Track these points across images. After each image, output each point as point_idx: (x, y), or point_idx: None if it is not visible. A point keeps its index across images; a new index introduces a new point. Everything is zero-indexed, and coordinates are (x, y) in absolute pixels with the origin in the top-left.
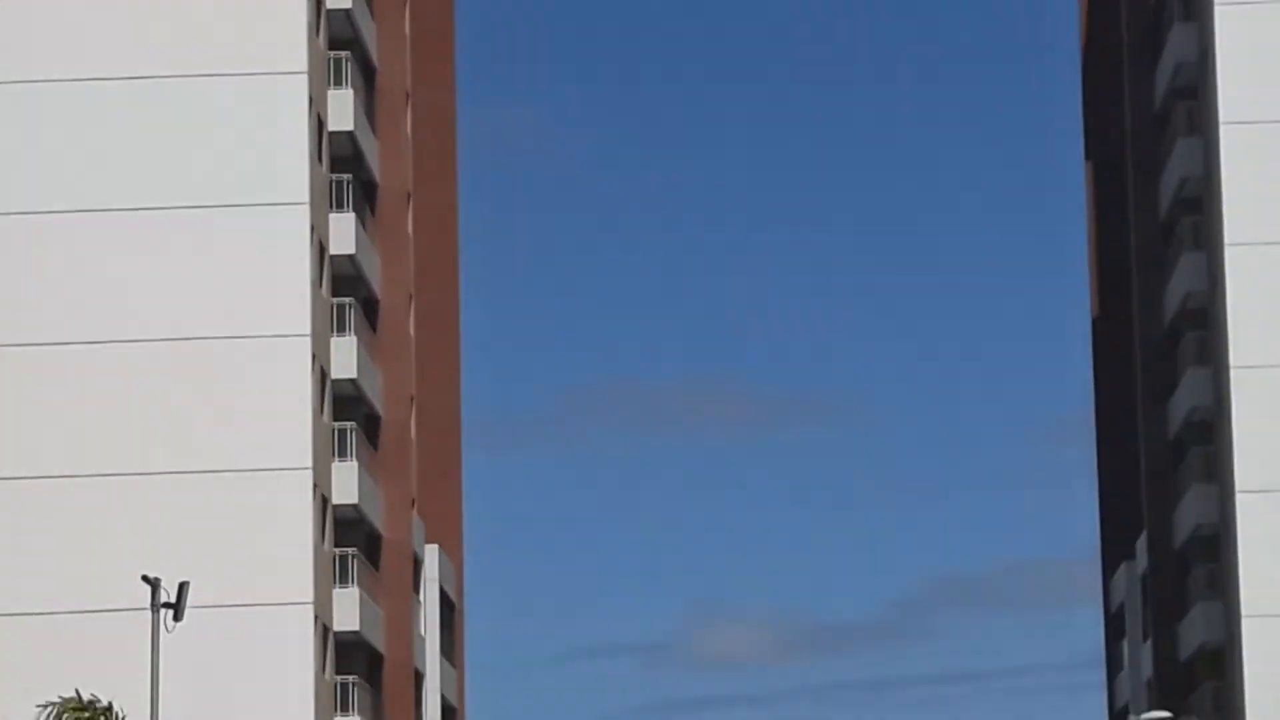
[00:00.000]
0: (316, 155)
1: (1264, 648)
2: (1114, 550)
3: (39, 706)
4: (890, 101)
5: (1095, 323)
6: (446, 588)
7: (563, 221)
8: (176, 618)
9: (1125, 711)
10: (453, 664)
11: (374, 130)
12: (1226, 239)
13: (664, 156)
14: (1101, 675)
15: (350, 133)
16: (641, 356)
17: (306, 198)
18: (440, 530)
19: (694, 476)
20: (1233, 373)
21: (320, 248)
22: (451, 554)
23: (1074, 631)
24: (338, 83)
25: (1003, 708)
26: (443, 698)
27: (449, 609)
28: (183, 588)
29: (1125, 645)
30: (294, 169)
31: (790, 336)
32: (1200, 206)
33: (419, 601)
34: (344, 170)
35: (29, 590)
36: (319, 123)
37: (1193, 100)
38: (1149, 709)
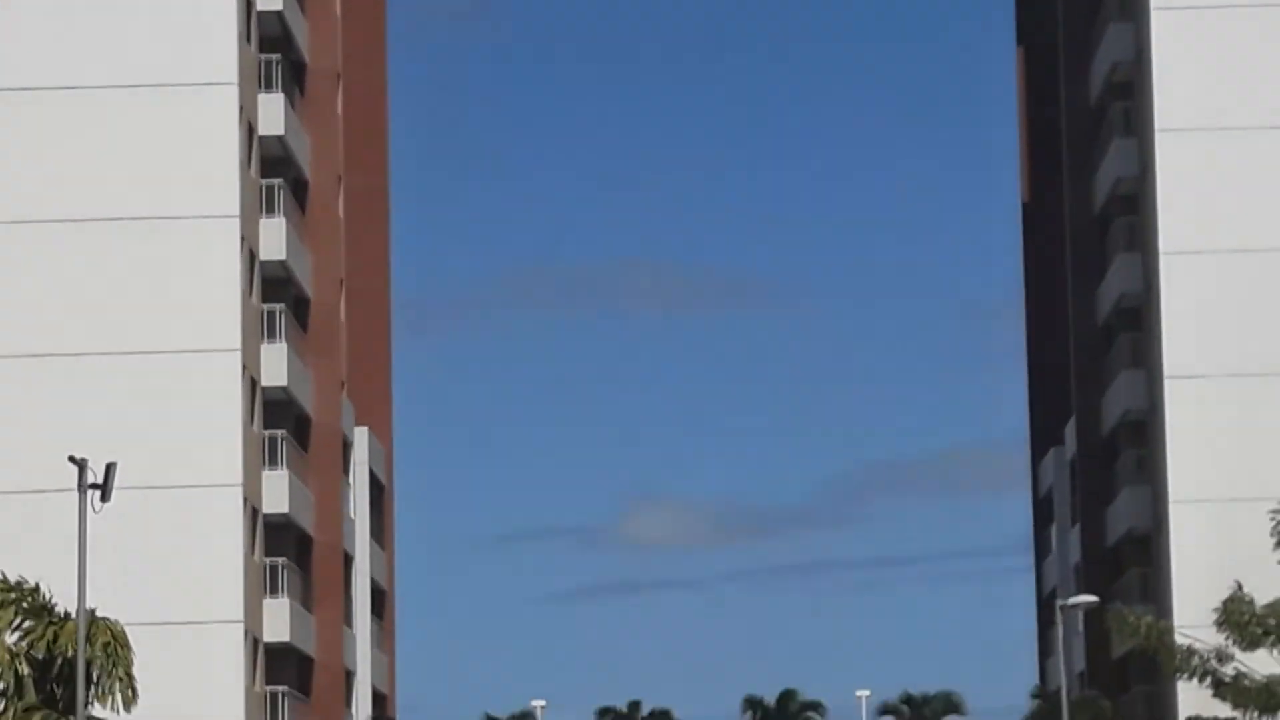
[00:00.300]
0: (245, 35)
1: (1190, 533)
2: (1043, 436)
3: None
4: None
5: (1025, 208)
6: (376, 470)
7: (494, 104)
8: (104, 498)
9: (1053, 596)
10: (382, 547)
11: (303, 10)
12: (1157, 125)
13: (595, 37)
14: (1030, 560)
15: (279, 12)
16: (573, 240)
17: (235, 78)
18: (370, 413)
19: (625, 360)
20: (1162, 258)
21: (249, 128)
22: (381, 437)
23: (1003, 517)
24: None
25: (932, 592)
26: (372, 580)
27: (378, 492)
28: (110, 469)
29: (1054, 530)
30: (222, 49)
31: (721, 220)
32: (1131, 92)
33: (348, 484)
34: (273, 51)
35: None
36: (247, 2)
37: None
38: (1076, 593)
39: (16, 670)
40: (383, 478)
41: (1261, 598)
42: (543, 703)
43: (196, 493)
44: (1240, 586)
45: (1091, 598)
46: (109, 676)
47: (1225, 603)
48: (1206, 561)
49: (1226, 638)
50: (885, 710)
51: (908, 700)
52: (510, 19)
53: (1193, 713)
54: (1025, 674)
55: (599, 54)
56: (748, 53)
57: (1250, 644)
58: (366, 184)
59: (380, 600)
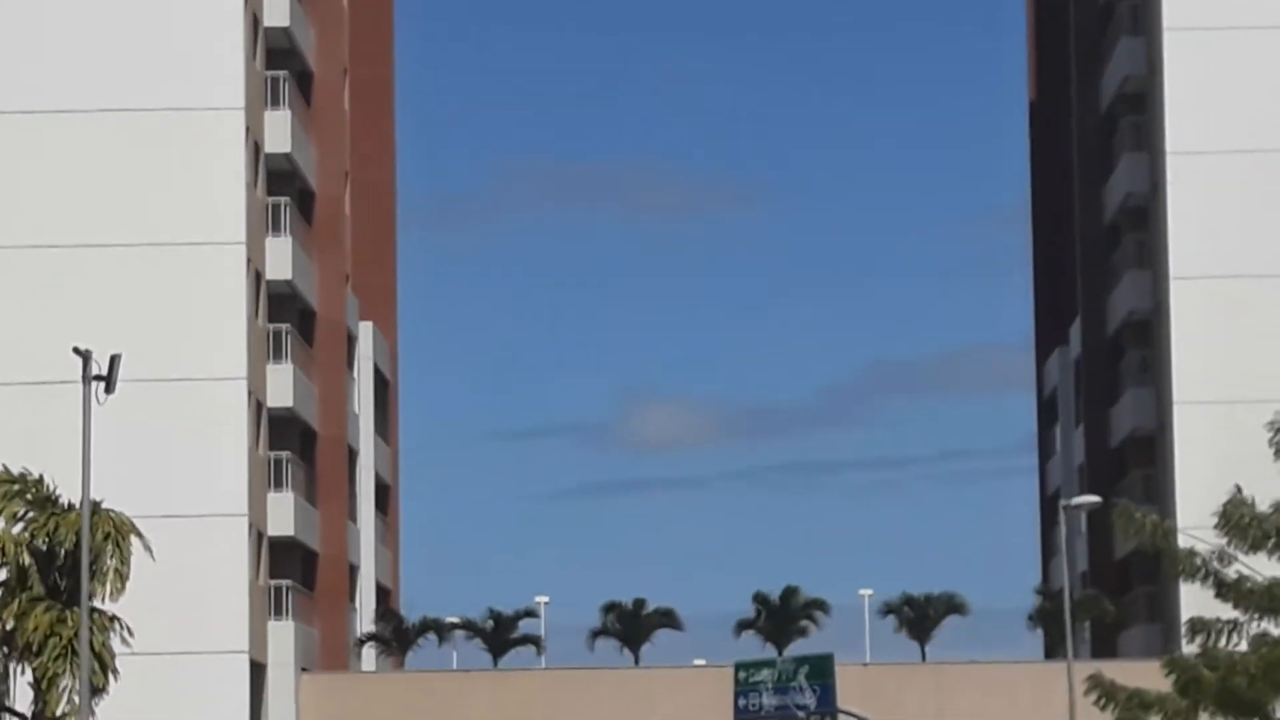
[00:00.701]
0: None
1: (1195, 434)
2: (1048, 337)
3: None
4: None
5: (1032, 108)
6: (381, 366)
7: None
8: (108, 390)
9: (1056, 496)
10: (386, 442)
11: None
12: (1165, 24)
13: None
14: (1034, 460)
15: None
16: (579, 138)
17: None
18: (375, 308)
19: (628, 259)
20: (1169, 158)
21: (254, 19)
22: (385, 332)
23: (1007, 417)
24: None
25: (935, 492)
26: (376, 475)
27: (383, 387)
28: (114, 360)
29: (1058, 431)
30: None
31: (726, 123)
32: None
33: (353, 378)
34: None
35: None
36: None
37: None
38: (1080, 494)
39: (19, 561)
40: (387, 373)
41: (1264, 498)
42: (546, 598)
43: (201, 385)
44: (1240, 489)
45: (1094, 498)
46: (105, 568)
47: (1225, 505)
48: (1210, 462)
49: (1228, 541)
50: (888, 610)
51: (909, 600)
52: None
53: (1195, 613)
54: (1028, 574)
55: None
56: None
57: (1252, 546)
58: (372, 76)
59: (384, 495)
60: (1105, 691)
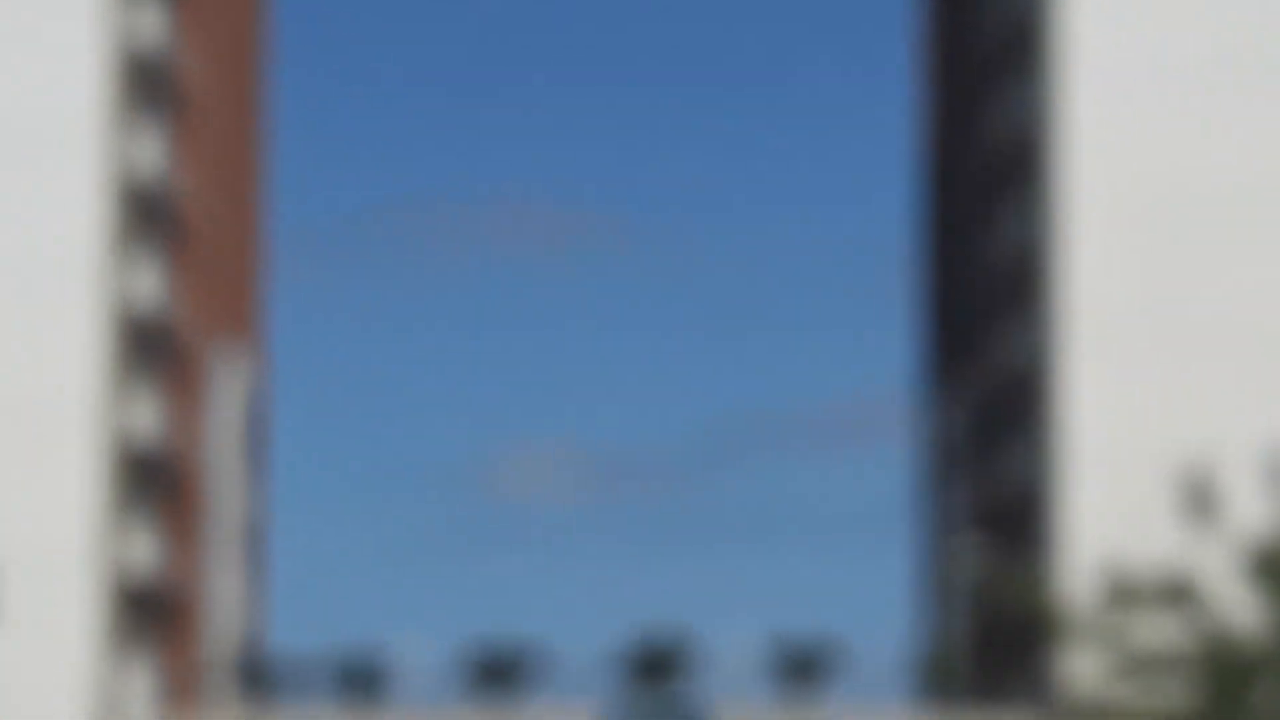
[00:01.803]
0: None
1: (1081, 489)
2: (934, 387)
3: None
4: None
5: (917, 159)
6: (253, 400)
7: (380, 40)
8: None
9: (939, 546)
10: (256, 478)
11: None
12: (1051, 79)
13: None
14: (912, 512)
15: None
16: (452, 177)
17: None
18: (246, 343)
19: (501, 301)
20: (1060, 209)
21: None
22: (258, 370)
23: (886, 466)
24: None
25: (815, 541)
26: (246, 512)
27: (257, 422)
28: None
29: (943, 485)
30: None
31: (599, 161)
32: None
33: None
34: None
35: None
36: None
37: None
38: (963, 546)
39: None
40: (259, 408)
41: (1150, 551)
42: (412, 636)
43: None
44: (1121, 558)
45: (977, 545)
46: None
47: (1108, 568)
48: (1095, 516)
49: (1112, 598)
50: (768, 653)
51: (787, 646)
52: None
53: (1077, 669)
54: (907, 626)
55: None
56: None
57: (1135, 605)
58: (252, 98)
59: (254, 532)
60: None
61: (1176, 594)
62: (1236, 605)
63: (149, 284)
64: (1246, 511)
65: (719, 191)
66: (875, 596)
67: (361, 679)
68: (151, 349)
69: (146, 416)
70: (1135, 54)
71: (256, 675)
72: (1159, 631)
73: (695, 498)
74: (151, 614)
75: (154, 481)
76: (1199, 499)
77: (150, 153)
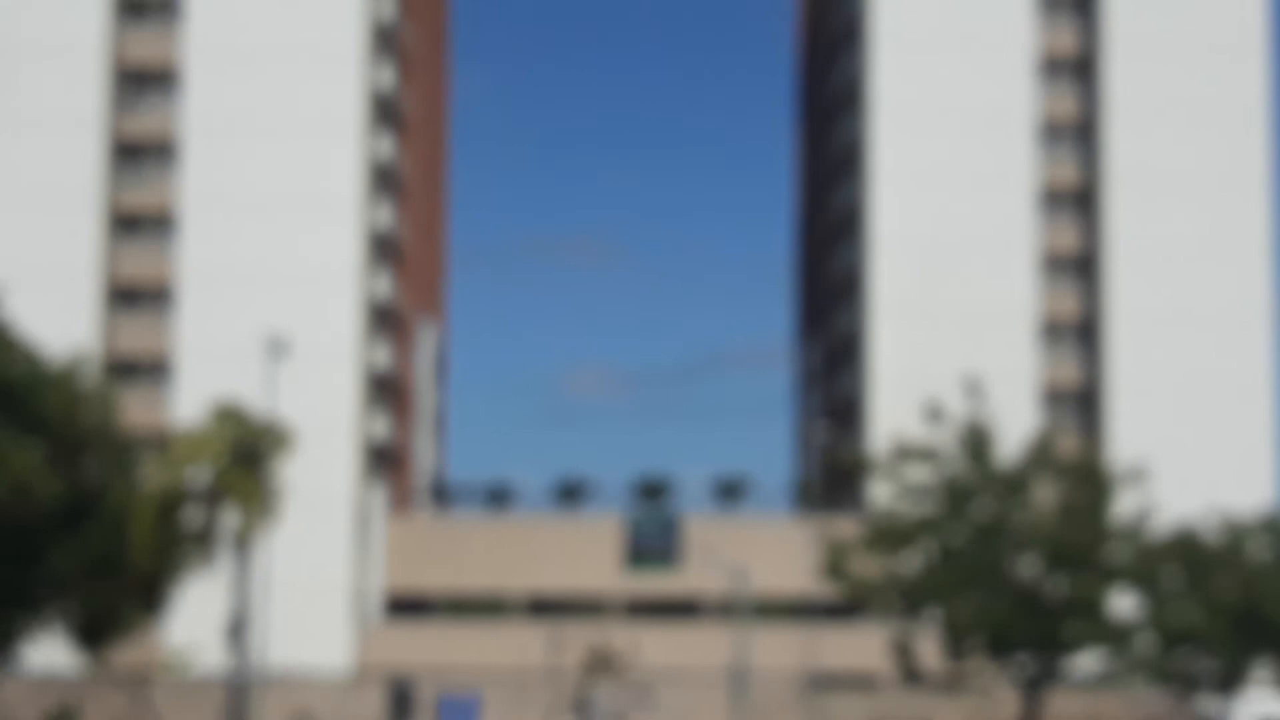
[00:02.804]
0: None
1: (885, 394)
2: (803, 336)
3: None
4: None
5: (795, 213)
6: (439, 345)
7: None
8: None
9: (807, 424)
10: (441, 386)
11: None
12: (871, 104)
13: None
14: (791, 406)
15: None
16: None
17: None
18: (434, 311)
19: (566, 290)
20: (869, 250)
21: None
22: (440, 325)
23: (776, 381)
24: None
25: (735, 422)
26: (435, 404)
27: (442, 359)
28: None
29: (806, 393)
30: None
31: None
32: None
33: (421, 351)
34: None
35: None
36: None
37: None
38: (820, 425)
39: (224, 452)
40: (441, 347)
41: (915, 433)
42: (523, 475)
43: (321, 359)
44: (902, 434)
45: (823, 427)
46: (280, 456)
47: (894, 439)
48: (887, 412)
49: (896, 457)
50: (711, 484)
51: (721, 480)
52: None
53: (877, 493)
54: (787, 469)
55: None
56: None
57: (908, 460)
58: (436, 184)
59: (440, 417)
60: (831, 547)
61: (927, 454)
62: (956, 463)
63: (385, 285)
64: (959, 414)
65: (672, 211)
66: (770, 453)
67: (496, 497)
68: (385, 320)
69: (383, 356)
70: (923, 166)
71: (440, 494)
72: (919, 474)
73: (675, 397)
74: (385, 462)
75: (388, 390)
76: (935, 408)
77: (386, 217)
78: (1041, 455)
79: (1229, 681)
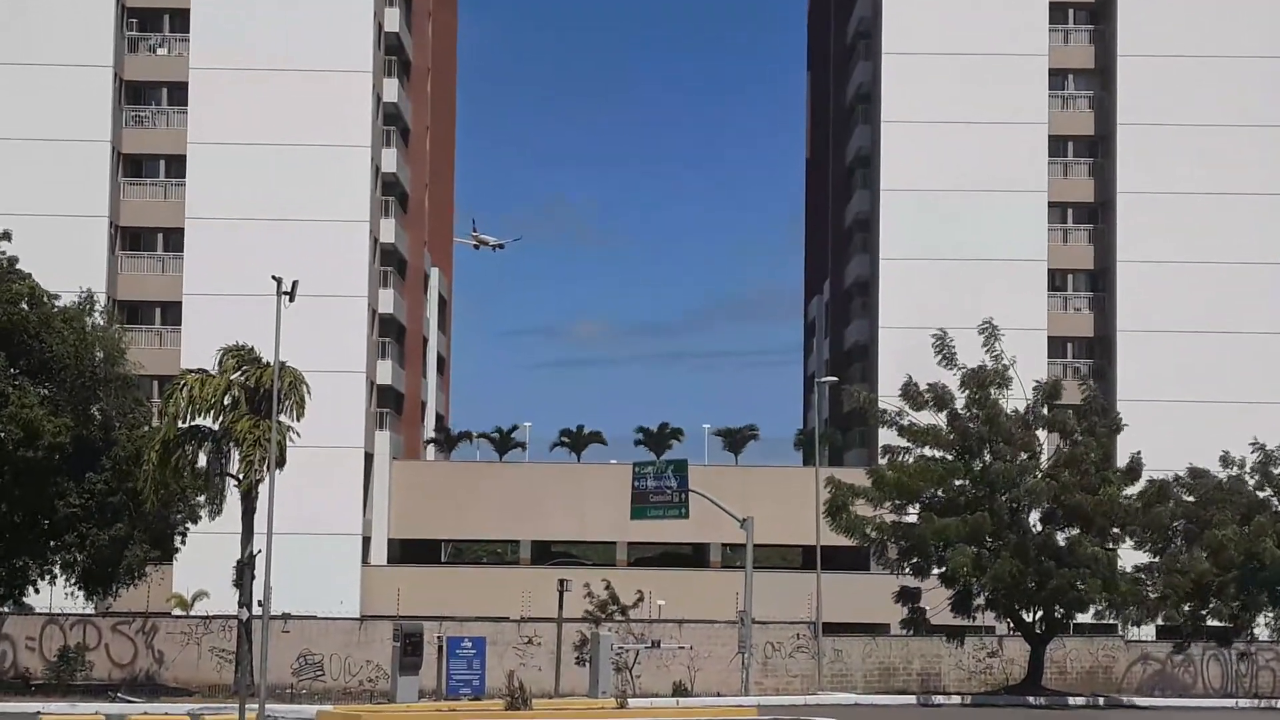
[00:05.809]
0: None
1: (892, 348)
2: (811, 287)
3: None
4: None
5: (808, 162)
6: (442, 291)
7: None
8: (290, 300)
9: (813, 377)
10: (444, 332)
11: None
12: (883, 116)
13: None
14: (801, 357)
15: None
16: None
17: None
18: (441, 259)
19: (569, 253)
20: (882, 195)
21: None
22: (446, 273)
23: (787, 332)
24: None
25: (746, 373)
26: (438, 350)
27: (443, 304)
28: (294, 284)
29: (815, 341)
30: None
31: (573, 167)
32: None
33: (427, 298)
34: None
35: None
36: None
37: None
38: (826, 376)
39: (235, 395)
40: (446, 295)
41: (924, 377)
42: (529, 423)
43: (338, 300)
44: (911, 379)
45: (833, 379)
46: (289, 400)
47: (903, 387)
48: (901, 364)
49: (905, 404)
50: (717, 433)
51: (729, 430)
52: None
53: (886, 438)
54: (795, 419)
55: None
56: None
57: (917, 408)
58: (444, 132)
59: (443, 362)
60: (835, 485)
61: (938, 399)
62: (962, 409)
63: (393, 230)
64: (973, 360)
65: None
66: (781, 402)
67: (501, 443)
68: (393, 265)
69: (391, 302)
70: (933, 112)
71: (445, 439)
72: (927, 419)
73: (685, 346)
74: (392, 405)
75: (394, 333)
76: (949, 352)
77: (393, 162)
78: (1050, 401)
79: (1234, 630)
